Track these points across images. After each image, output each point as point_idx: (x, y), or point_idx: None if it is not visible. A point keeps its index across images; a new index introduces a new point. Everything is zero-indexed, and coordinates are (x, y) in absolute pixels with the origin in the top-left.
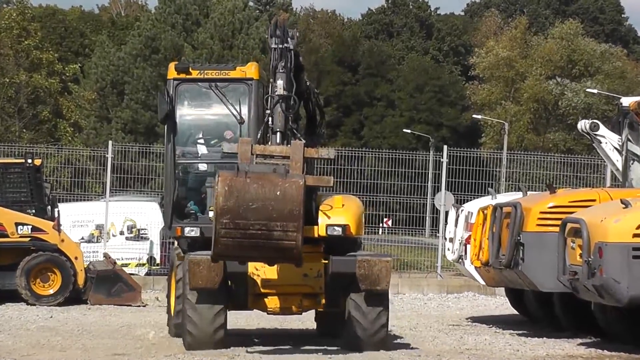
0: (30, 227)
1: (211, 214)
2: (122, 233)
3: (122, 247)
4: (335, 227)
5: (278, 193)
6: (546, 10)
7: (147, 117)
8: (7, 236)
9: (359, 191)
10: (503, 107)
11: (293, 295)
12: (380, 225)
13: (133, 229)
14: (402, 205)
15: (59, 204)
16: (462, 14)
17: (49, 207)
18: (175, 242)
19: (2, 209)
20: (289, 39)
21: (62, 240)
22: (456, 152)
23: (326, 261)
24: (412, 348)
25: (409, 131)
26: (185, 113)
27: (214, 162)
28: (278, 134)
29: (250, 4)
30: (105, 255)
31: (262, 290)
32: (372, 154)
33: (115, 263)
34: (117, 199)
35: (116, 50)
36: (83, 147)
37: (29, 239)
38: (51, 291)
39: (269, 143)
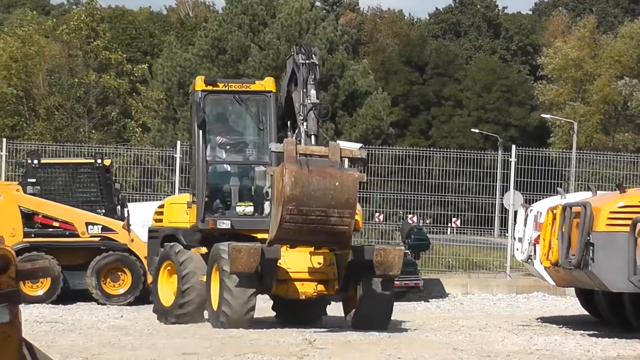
0: (100, 226)
1: (241, 209)
2: None
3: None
4: None
5: (337, 184)
6: (615, 9)
7: None
8: (77, 236)
9: (426, 191)
10: (572, 108)
11: (311, 282)
12: (449, 225)
13: None
14: (470, 205)
15: (128, 204)
16: (530, 13)
17: (119, 207)
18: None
19: (72, 209)
20: (313, 55)
21: (132, 240)
22: (525, 152)
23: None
24: (481, 348)
25: (476, 131)
26: (212, 121)
27: (241, 164)
28: (312, 136)
29: (317, 4)
30: None
31: (287, 276)
32: (440, 154)
33: None
34: None
35: (183, 51)
36: (152, 147)
37: (99, 238)
38: (121, 290)
39: (302, 144)
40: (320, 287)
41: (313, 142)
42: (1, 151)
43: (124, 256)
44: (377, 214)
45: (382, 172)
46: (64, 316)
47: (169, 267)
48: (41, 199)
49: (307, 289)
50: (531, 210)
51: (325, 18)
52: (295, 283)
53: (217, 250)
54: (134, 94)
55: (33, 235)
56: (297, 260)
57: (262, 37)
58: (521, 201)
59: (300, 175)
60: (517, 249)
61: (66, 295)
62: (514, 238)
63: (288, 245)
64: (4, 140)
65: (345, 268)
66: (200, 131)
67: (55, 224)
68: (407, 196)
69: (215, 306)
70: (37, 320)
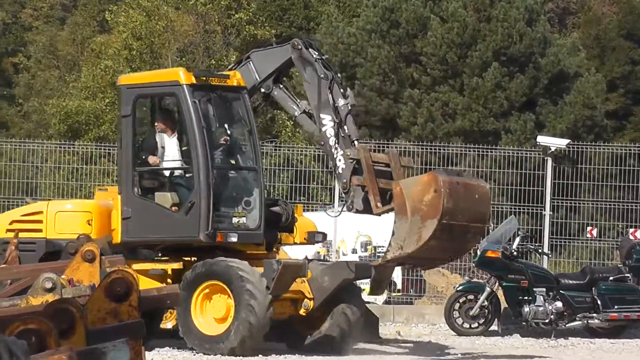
0: None
1: (236, 220)
2: (354, 251)
3: None
4: (317, 234)
5: (477, 197)
6: None
7: (383, 107)
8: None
9: None
10: None
11: (283, 301)
12: None
13: (368, 247)
14: None
15: None
16: None
17: None
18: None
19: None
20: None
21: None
22: None
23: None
24: None
25: None
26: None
27: (237, 169)
28: (356, 142)
29: None
30: None
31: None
32: None
33: None
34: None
35: (346, 25)
36: (306, 144)
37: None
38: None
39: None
40: (297, 307)
41: (350, 149)
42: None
43: None
44: (589, 228)
45: (596, 175)
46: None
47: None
48: None
49: (279, 309)
50: None
51: None
52: (284, 302)
53: (228, 269)
54: (285, 78)
55: None
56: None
57: (444, 7)
58: None
59: (453, 187)
60: None
61: None
62: None
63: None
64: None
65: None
66: (203, 128)
67: None
68: (627, 205)
69: (212, 330)
70: None
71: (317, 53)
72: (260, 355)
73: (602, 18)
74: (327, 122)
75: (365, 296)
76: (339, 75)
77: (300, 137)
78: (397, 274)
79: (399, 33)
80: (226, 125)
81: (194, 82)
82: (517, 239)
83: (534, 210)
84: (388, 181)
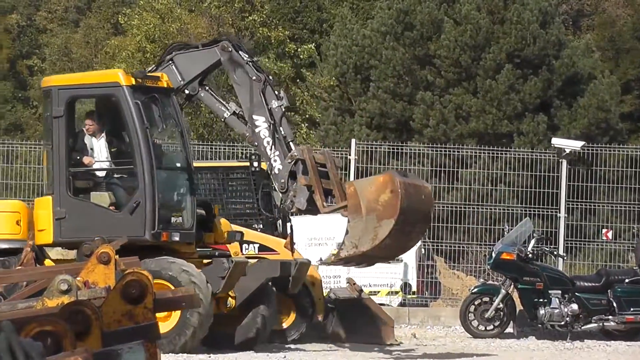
0: (257, 245)
1: (174, 219)
2: None
3: (370, 271)
4: (237, 233)
5: (423, 197)
6: None
7: (398, 109)
8: (228, 256)
9: None
10: None
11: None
12: None
13: None
14: None
15: (291, 218)
16: None
17: (280, 222)
18: None
19: (226, 222)
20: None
21: None
22: None
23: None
24: None
25: None
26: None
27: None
28: (291, 143)
29: None
30: (349, 281)
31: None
32: None
33: (361, 291)
34: None
35: (360, 27)
36: (321, 146)
37: (255, 260)
38: (284, 325)
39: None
40: (216, 306)
41: (293, 149)
42: None
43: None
44: (604, 230)
45: (611, 177)
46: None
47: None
48: None
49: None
50: None
51: None
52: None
53: (171, 266)
54: (299, 80)
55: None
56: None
57: (457, 9)
58: None
59: (407, 188)
60: None
61: None
62: None
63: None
64: None
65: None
66: (146, 129)
67: None
68: None
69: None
70: None
71: (247, 55)
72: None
73: (617, 20)
74: (261, 123)
75: (379, 298)
76: (270, 77)
77: (315, 139)
78: (412, 276)
79: (413, 35)
80: (161, 126)
81: (134, 83)
82: (532, 241)
83: (548, 213)
84: (328, 181)
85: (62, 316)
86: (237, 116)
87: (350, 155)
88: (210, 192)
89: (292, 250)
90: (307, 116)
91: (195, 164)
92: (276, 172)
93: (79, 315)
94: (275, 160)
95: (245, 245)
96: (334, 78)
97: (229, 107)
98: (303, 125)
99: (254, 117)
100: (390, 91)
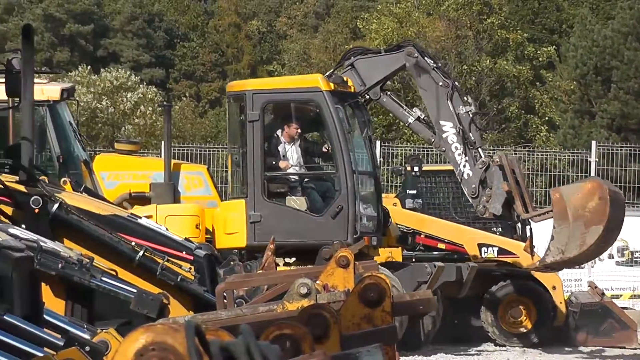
0: (496, 249)
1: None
2: (611, 257)
3: (612, 274)
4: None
5: (622, 205)
6: None
7: None
8: (467, 260)
9: None
10: None
11: None
12: None
13: (625, 252)
14: None
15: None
16: None
17: (519, 224)
18: None
19: (462, 227)
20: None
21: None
22: None
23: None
24: None
25: None
26: None
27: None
28: (480, 149)
29: None
30: (591, 284)
31: None
32: None
33: (603, 294)
34: None
35: (601, 27)
36: (560, 149)
37: (495, 263)
38: (523, 329)
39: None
40: None
41: (482, 156)
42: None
43: (527, 285)
44: None
45: None
46: None
47: None
48: (424, 214)
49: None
50: None
51: None
52: None
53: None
54: (538, 83)
55: (414, 260)
56: None
57: None
58: None
59: (613, 195)
60: None
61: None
62: None
63: None
64: (378, 143)
65: None
66: (346, 134)
67: (441, 245)
68: None
69: None
70: None
71: (432, 61)
72: None
73: None
74: (449, 128)
75: (622, 302)
76: (456, 83)
77: (555, 142)
78: None
79: None
80: (356, 131)
81: (333, 88)
82: None
83: None
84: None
85: (301, 320)
86: (421, 121)
87: (590, 157)
88: (448, 195)
89: (532, 253)
90: (547, 118)
91: (431, 167)
92: (466, 177)
93: (318, 319)
94: (464, 166)
95: (484, 249)
96: (573, 80)
97: (413, 113)
98: (543, 128)
99: (441, 122)
100: (633, 92)
